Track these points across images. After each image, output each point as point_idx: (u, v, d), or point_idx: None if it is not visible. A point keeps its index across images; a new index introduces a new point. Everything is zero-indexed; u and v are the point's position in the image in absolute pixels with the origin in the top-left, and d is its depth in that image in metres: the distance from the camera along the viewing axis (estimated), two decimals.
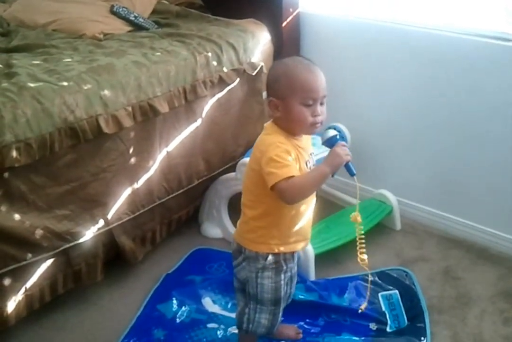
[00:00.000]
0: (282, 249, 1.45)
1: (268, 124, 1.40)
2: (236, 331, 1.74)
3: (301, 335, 1.75)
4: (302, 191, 1.31)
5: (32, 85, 1.58)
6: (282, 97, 1.30)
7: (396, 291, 1.92)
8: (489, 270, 2.08)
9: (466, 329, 1.80)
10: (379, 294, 1.91)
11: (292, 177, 1.27)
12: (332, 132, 1.38)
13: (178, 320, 1.82)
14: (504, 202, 2.12)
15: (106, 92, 1.68)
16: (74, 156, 1.65)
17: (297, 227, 1.44)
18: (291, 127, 1.35)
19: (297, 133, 1.37)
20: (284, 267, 1.48)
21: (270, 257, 1.44)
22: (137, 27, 2.20)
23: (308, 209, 1.45)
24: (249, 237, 1.45)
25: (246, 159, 2.01)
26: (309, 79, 1.29)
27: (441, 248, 2.21)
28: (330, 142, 1.37)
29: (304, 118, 1.31)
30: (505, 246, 2.16)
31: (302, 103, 1.30)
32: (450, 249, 2.21)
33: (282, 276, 1.48)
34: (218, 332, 1.77)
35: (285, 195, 1.30)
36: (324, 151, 1.48)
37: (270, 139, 1.33)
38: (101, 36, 2.07)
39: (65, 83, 1.62)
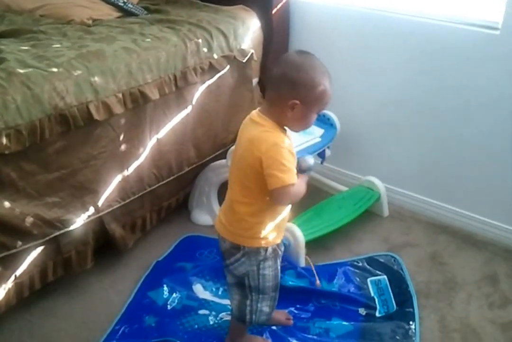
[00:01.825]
0: (278, 240, 1.47)
1: (262, 118, 1.35)
2: (228, 317, 1.76)
3: (291, 321, 1.77)
4: (296, 198, 1.36)
5: (21, 71, 1.55)
6: (307, 103, 1.32)
7: (385, 276, 1.95)
8: (474, 255, 2.12)
9: (453, 313, 1.84)
10: (368, 280, 1.95)
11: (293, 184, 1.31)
12: (311, 161, 1.46)
13: (169, 307, 1.83)
14: (489, 189, 2.16)
15: (97, 78, 1.66)
16: (64, 143, 1.64)
17: (285, 214, 1.47)
18: (291, 125, 1.37)
19: (291, 129, 1.40)
20: (280, 252, 1.50)
21: (270, 249, 1.45)
22: (126, 13, 2.17)
23: None
24: (248, 234, 1.43)
25: None
26: (331, 93, 1.34)
27: (428, 234, 2.25)
28: (309, 170, 1.45)
29: (311, 122, 1.39)
30: (490, 231, 2.20)
31: (317, 111, 1.36)
32: (437, 234, 2.25)
33: (279, 260, 1.51)
34: (210, 319, 1.78)
35: (282, 199, 1.34)
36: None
37: (272, 138, 1.31)
38: (90, 22, 2.04)
39: (54, 69, 1.60)
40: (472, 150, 2.14)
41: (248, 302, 1.53)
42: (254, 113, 1.39)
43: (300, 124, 1.38)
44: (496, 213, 2.18)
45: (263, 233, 1.42)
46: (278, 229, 1.45)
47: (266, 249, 1.44)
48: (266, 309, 1.55)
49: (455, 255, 2.12)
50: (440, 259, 2.10)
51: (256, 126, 1.35)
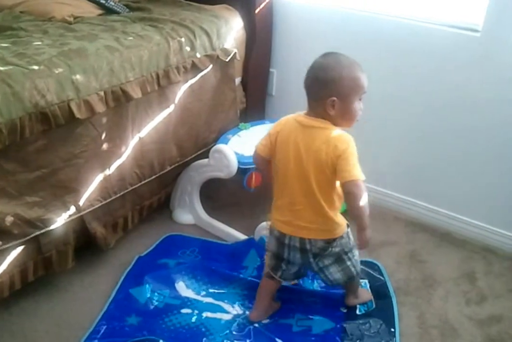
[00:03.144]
0: None
1: (319, 121, 1.46)
2: (209, 314, 1.79)
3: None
4: (364, 200, 1.44)
5: (1, 68, 1.53)
6: (344, 96, 1.42)
7: (366, 280, 1.98)
8: (452, 253, 2.16)
9: (432, 310, 1.87)
10: None
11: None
12: None
13: (151, 306, 1.82)
14: (466, 189, 2.20)
15: (78, 76, 1.65)
16: (45, 142, 1.62)
17: None
18: (341, 123, 1.48)
19: (343, 127, 1.50)
20: None
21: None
22: (107, 10, 2.16)
23: None
24: (334, 225, 1.58)
25: (220, 146, 2.02)
26: (363, 77, 1.45)
27: (407, 232, 2.28)
28: None
29: (357, 113, 1.48)
30: (467, 229, 2.25)
31: (358, 99, 1.46)
32: (416, 233, 2.28)
33: None
34: (192, 317, 1.78)
35: (358, 192, 1.42)
36: None
37: (345, 137, 1.46)
38: (71, 19, 2.01)
39: (35, 67, 1.58)
40: (450, 150, 2.17)
41: (349, 263, 1.66)
42: (301, 118, 1.49)
43: (348, 119, 1.48)
44: (474, 212, 2.22)
45: (340, 218, 1.59)
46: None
47: (346, 226, 1.62)
48: (357, 255, 1.70)
49: (433, 253, 2.16)
50: (419, 257, 2.13)
51: (322, 130, 1.46)
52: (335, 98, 1.41)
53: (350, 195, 1.43)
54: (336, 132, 1.46)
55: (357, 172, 1.42)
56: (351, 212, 1.48)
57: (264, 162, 1.63)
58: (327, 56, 1.47)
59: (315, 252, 1.61)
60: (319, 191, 1.49)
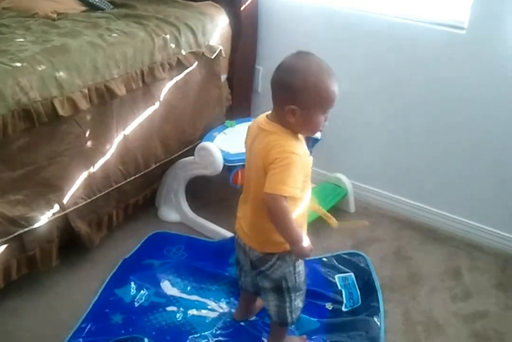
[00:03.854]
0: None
1: (271, 125, 1.32)
2: (195, 312, 1.78)
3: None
4: (279, 216, 1.28)
5: None
6: (305, 107, 1.26)
7: (352, 274, 1.99)
8: (437, 250, 2.18)
9: (417, 306, 1.88)
10: (336, 276, 1.98)
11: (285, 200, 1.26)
12: None
13: (136, 304, 1.81)
14: (451, 186, 2.21)
15: (62, 73, 1.63)
16: (28, 139, 1.60)
17: (303, 209, 1.44)
18: (300, 131, 1.33)
19: (301, 134, 1.36)
20: None
21: None
22: (91, 7, 2.14)
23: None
24: (278, 240, 1.37)
25: (205, 143, 2.02)
26: (334, 90, 1.28)
27: (393, 229, 2.29)
28: None
29: (319, 126, 1.31)
30: (452, 226, 2.26)
31: (323, 112, 1.29)
32: (401, 229, 2.29)
33: None
34: (177, 315, 1.77)
35: (271, 207, 1.27)
36: None
37: (289, 146, 1.28)
38: (54, 15, 2.00)
39: (18, 64, 1.56)
40: (435, 148, 2.19)
41: (287, 304, 1.51)
42: (262, 120, 1.35)
43: (307, 129, 1.33)
44: (458, 208, 2.24)
45: (279, 236, 1.37)
46: (300, 224, 1.41)
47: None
48: (300, 304, 1.55)
49: (419, 250, 2.17)
50: (404, 254, 2.14)
51: (268, 135, 1.31)
52: (295, 107, 1.25)
53: (266, 207, 1.28)
54: (279, 139, 1.29)
55: (282, 186, 1.24)
56: (273, 225, 1.32)
57: None
58: (297, 57, 1.29)
59: (253, 260, 1.46)
60: (255, 199, 1.36)
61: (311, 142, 2.21)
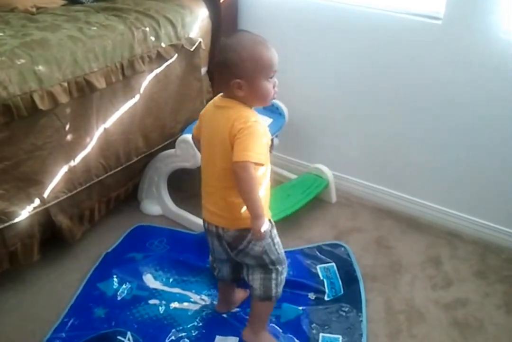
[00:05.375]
0: (269, 211, 1.50)
1: (228, 101, 1.39)
2: (177, 305, 1.79)
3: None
4: (250, 183, 1.31)
5: None
6: (248, 77, 1.34)
7: (333, 264, 2.01)
8: (418, 239, 2.20)
9: (398, 295, 1.91)
10: (318, 267, 2.00)
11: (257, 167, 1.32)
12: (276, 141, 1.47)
13: (119, 298, 1.82)
14: (431, 175, 2.24)
15: (41, 67, 1.62)
16: (7, 134, 1.59)
17: (267, 183, 1.47)
18: (253, 102, 1.40)
19: (256, 106, 1.43)
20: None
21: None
22: (71, 0, 2.11)
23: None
24: (246, 217, 1.39)
25: (186, 136, 2.01)
26: (270, 56, 1.35)
27: (374, 219, 2.32)
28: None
29: (269, 92, 1.38)
30: (432, 215, 2.30)
31: (266, 78, 1.36)
32: (382, 219, 2.32)
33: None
34: (160, 308, 1.78)
35: (242, 175, 1.30)
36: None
37: (247, 116, 1.35)
38: (34, 9, 1.97)
39: None
40: (414, 137, 2.21)
41: (273, 276, 1.55)
42: (217, 99, 1.43)
43: (259, 99, 1.39)
44: (438, 197, 2.26)
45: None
46: (266, 200, 1.46)
47: (269, 219, 1.45)
48: (284, 278, 1.59)
49: (400, 239, 2.20)
50: (385, 243, 2.17)
51: (227, 109, 1.38)
52: (239, 80, 1.33)
53: (236, 177, 1.31)
54: (239, 111, 1.36)
55: (248, 153, 1.29)
56: (241, 196, 1.35)
57: (199, 145, 1.55)
58: (232, 37, 1.38)
59: (229, 241, 1.49)
60: (224, 174, 1.39)
61: (279, 125, 2.24)
